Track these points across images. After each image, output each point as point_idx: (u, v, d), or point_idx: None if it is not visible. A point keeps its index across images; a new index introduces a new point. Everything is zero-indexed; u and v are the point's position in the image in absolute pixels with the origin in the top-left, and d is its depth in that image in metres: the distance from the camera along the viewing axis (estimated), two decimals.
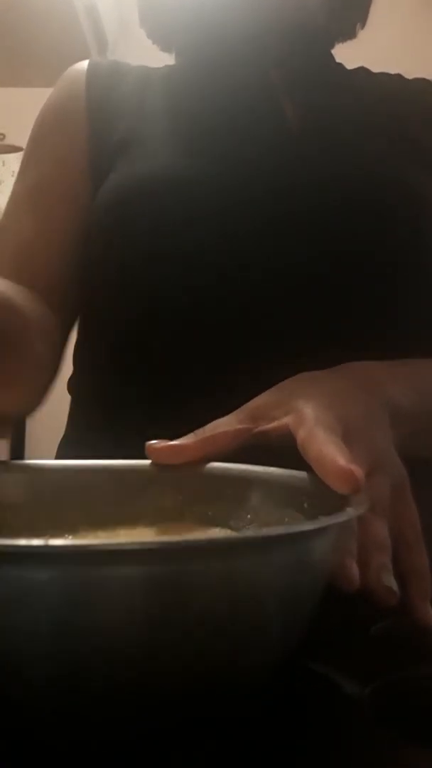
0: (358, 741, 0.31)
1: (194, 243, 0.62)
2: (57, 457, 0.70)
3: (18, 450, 2.68)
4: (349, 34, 0.77)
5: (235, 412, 0.46)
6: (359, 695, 0.34)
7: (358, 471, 0.35)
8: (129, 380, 0.65)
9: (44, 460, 0.46)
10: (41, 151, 0.72)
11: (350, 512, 0.31)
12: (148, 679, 0.25)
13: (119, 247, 0.65)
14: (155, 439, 0.44)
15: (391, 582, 0.37)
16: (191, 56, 0.75)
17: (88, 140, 0.70)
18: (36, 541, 0.22)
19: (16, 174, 0.75)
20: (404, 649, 0.39)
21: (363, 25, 0.77)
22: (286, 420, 0.43)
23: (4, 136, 3.05)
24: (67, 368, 0.73)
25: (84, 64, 0.76)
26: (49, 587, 0.23)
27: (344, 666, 0.37)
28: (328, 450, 0.37)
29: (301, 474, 0.39)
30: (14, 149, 2.90)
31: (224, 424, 0.45)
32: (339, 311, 0.62)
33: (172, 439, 0.44)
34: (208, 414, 0.46)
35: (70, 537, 0.40)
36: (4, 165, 2.91)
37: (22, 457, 2.66)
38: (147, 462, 0.44)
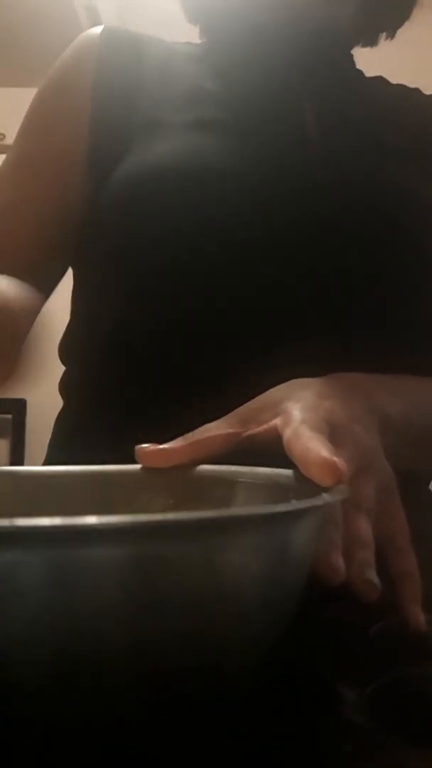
0: (358, 741, 0.31)
1: (205, 238, 0.61)
2: (46, 461, 0.70)
3: (18, 454, 2.68)
4: (371, 43, 0.77)
5: (225, 417, 0.46)
6: (359, 696, 0.34)
7: (341, 462, 0.35)
8: (123, 381, 0.64)
9: (36, 467, 0.46)
10: (34, 124, 0.70)
11: (325, 497, 0.31)
12: (127, 663, 0.25)
13: (129, 236, 0.63)
14: (145, 442, 0.44)
15: (373, 577, 0.37)
16: (222, 40, 0.73)
17: (92, 114, 0.67)
18: (2, 521, 0.22)
19: None
20: (404, 649, 0.38)
21: (392, 37, 0.77)
22: (274, 422, 0.43)
23: (4, 136, 3.06)
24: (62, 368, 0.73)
25: (96, 32, 0.72)
26: (19, 568, 0.23)
27: (344, 666, 0.37)
28: (312, 445, 0.37)
29: (287, 472, 0.39)
30: None
31: (214, 428, 0.45)
32: (342, 320, 0.62)
33: (162, 442, 0.44)
34: (203, 417, 0.46)
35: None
36: None
37: (21, 462, 2.66)
38: (137, 466, 0.44)
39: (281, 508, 0.28)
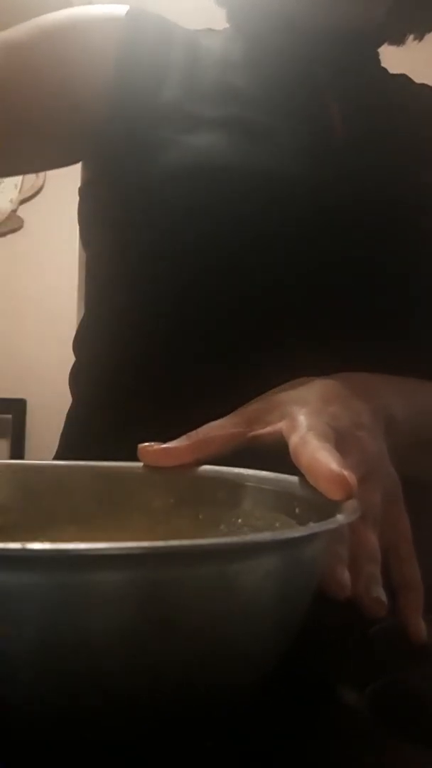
0: (357, 741, 0.31)
1: (234, 238, 0.61)
2: (57, 455, 0.70)
3: (18, 449, 2.68)
4: (398, 42, 0.76)
5: (229, 416, 0.46)
6: (359, 696, 0.34)
7: (351, 477, 0.35)
8: (134, 377, 0.64)
9: (38, 460, 0.46)
10: (56, 30, 0.67)
11: (340, 519, 0.31)
12: (138, 684, 0.25)
13: (162, 232, 0.62)
14: (148, 440, 0.44)
15: (380, 593, 0.37)
16: (249, 32, 0.72)
17: (117, 78, 0.65)
18: (13, 545, 0.22)
19: None
20: (404, 649, 0.39)
21: (420, 39, 0.76)
22: (280, 425, 0.43)
23: None
24: (66, 368, 0.73)
25: (122, 8, 0.69)
26: (29, 591, 0.23)
27: (343, 667, 0.37)
28: (321, 456, 0.37)
29: (293, 478, 0.39)
30: None
31: (217, 428, 0.45)
32: (357, 319, 0.62)
33: (166, 440, 0.44)
34: (209, 415, 0.46)
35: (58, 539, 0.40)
36: None
37: (21, 457, 2.66)
38: (139, 464, 0.44)
39: (299, 532, 0.28)
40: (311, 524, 0.29)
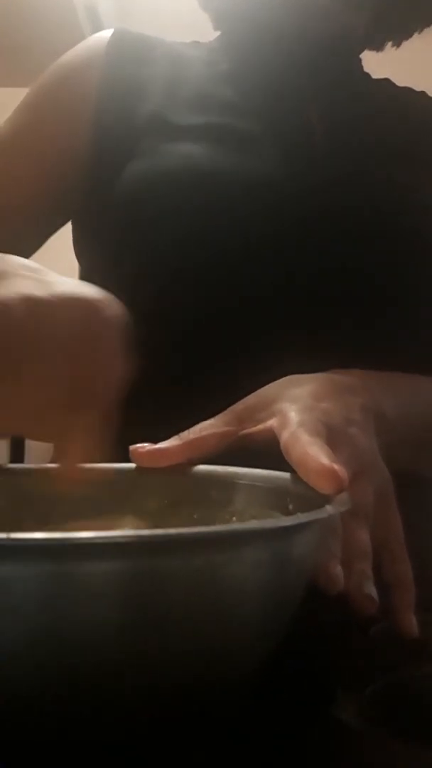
0: (357, 741, 0.31)
1: (211, 243, 0.61)
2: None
3: (18, 454, 2.68)
4: (378, 48, 0.76)
5: (220, 414, 0.46)
6: (358, 697, 0.34)
7: (341, 470, 0.35)
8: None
9: (33, 464, 0.46)
10: (34, 102, 0.72)
11: (329, 509, 0.31)
12: (129, 675, 0.25)
13: (136, 238, 0.64)
14: (140, 441, 0.44)
15: (371, 590, 0.37)
16: (233, 38, 0.74)
17: (97, 106, 0.68)
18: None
19: None
20: (404, 649, 0.38)
21: (398, 46, 0.76)
22: (271, 422, 0.43)
23: None
24: None
25: (107, 34, 0.73)
26: (15, 581, 0.23)
27: (343, 667, 0.37)
28: (311, 450, 0.37)
29: (285, 475, 0.39)
30: None
31: (209, 427, 0.45)
32: (343, 318, 0.62)
33: (158, 441, 0.44)
34: (202, 414, 0.46)
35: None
36: None
37: (22, 460, 2.66)
38: (131, 466, 0.44)
39: (286, 522, 0.28)
40: (298, 515, 0.29)
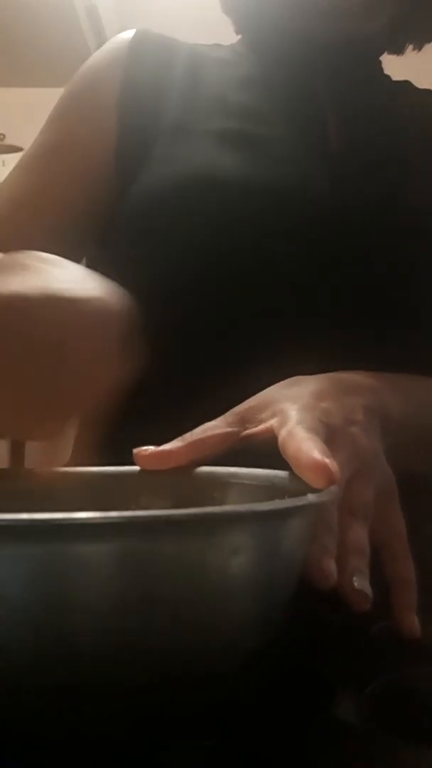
0: (357, 741, 0.31)
1: (224, 251, 0.61)
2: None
3: (18, 454, 2.67)
4: (398, 52, 0.76)
5: (222, 416, 0.46)
6: (358, 696, 0.34)
7: (332, 463, 0.35)
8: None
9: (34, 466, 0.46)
10: (61, 115, 0.71)
11: (310, 498, 0.31)
12: (117, 658, 0.25)
13: (148, 245, 0.64)
14: (143, 444, 0.44)
15: (365, 586, 0.37)
16: (259, 49, 0.73)
17: (119, 114, 0.68)
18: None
19: None
20: (404, 649, 0.39)
21: (419, 49, 0.76)
22: (271, 422, 0.43)
23: (4, 136, 3.06)
24: None
25: (129, 35, 0.73)
26: (8, 562, 0.23)
27: (343, 666, 0.37)
28: (305, 446, 0.37)
29: (283, 473, 0.39)
30: (14, 149, 2.90)
31: (211, 428, 0.45)
32: (352, 325, 0.62)
33: (161, 443, 0.44)
34: (207, 415, 0.46)
35: None
36: (4, 165, 2.90)
37: (22, 462, 2.66)
38: (135, 468, 0.44)
39: (262, 507, 0.28)
40: (277, 500, 0.30)
